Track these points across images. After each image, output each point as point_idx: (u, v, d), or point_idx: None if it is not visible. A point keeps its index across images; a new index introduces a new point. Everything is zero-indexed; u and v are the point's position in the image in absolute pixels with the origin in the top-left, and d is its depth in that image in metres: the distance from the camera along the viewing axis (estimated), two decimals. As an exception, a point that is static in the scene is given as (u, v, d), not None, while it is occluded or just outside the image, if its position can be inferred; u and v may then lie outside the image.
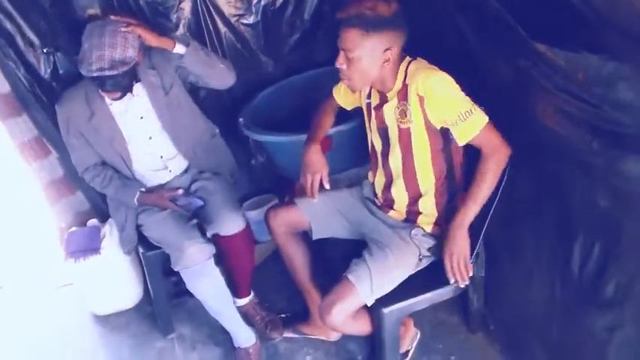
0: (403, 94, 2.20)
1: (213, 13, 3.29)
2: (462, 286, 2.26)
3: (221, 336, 3.11)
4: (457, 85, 2.11)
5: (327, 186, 2.47)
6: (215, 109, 3.07)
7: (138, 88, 2.74)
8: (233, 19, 3.35)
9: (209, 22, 3.29)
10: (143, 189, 2.84)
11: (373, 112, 2.37)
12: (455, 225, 2.21)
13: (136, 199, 2.82)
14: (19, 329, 3.51)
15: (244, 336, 2.95)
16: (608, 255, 1.85)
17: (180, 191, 2.81)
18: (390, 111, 2.28)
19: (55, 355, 3.27)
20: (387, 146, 2.37)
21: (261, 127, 3.11)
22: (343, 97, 2.58)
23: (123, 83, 2.58)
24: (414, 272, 2.36)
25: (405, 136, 2.27)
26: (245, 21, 3.38)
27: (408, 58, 2.24)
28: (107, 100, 2.71)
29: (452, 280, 2.23)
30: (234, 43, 3.40)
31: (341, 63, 2.19)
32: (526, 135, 2.08)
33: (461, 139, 2.15)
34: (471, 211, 2.20)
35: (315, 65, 3.57)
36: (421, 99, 2.14)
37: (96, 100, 2.72)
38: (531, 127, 2.04)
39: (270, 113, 3.34)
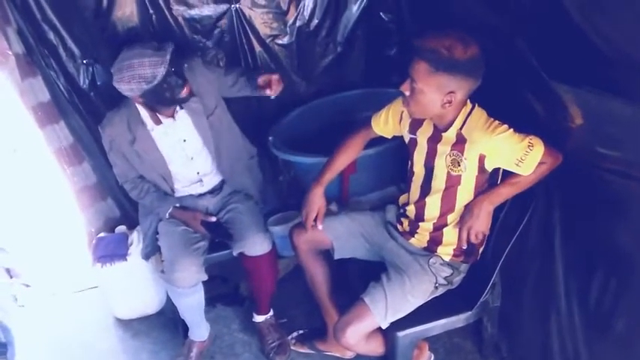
0: (459, 146, 2.21)
1: (249, 32, 3.34)
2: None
3: (240, 348, 3.19)
4: (515, 133, 2.11)
5: (319, 227, 2.57)
6: (246, 126, 3.12)
7: (181, 114, 2.80)
8: (268, 39, 3.40)
9: (244, 42, 3.35)
10: (177, 204, 2.92)
11: (424, 145, 2.36)
12: (485, 200, 2.23)
13: (168, 214, 2.89)
14: (44, 328, 3.59)
15: (198, 332, 3.09)
16: (623, 290, 1.89)
17: (214, 218, 2.90)
18: (441, 155, 2.29)
19: (77, 355, 3.34)
20: (429, 183, 2.39)
21: (291, 145, 3.15)
22: (383, 127, 2.57)
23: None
24: (429, 299, 2.41)
25: (453, 182, 2.29)
26: (279, 41, 3.43)
27: (469, 105, 2.22)
28: (149, 125, 2.78)
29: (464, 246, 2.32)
30: (268, 63, 3.45)
31: (405, 89, 2.17)
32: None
33: (526, 171, 2.14)
34: (505, 192, 2.22)
35: (346, 88, 3.61)
36: (482, 156, 2.17)
37: (138, 126, 2.77)
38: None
39: (299, 132, 3.39)
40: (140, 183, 2.95)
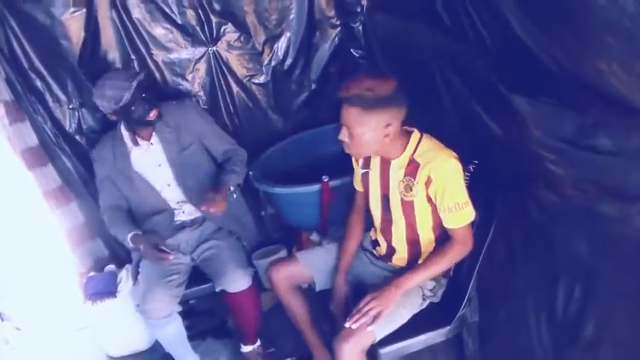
0: (412, 171, 2.29)
1: (227, 73, 3.50)
2: (351, 326, 2.23)
3: (232, 381, 3.22)
4: (462, 174, 2.24)
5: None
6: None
7: (155, 138, 2.96)
8: (245, 79, 3.55)
9: (222, 82, 3.50)
10: (139, 232, 2.91)
11: (377, 179, 2.45)
12: (397, 283, 2.29)
13: (129, 238, 2.89)
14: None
15: None
16: (588, 297, 1.97)
17: (172, 256, 2.86)
18: (394, 182, 2.36)
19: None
20: (388, 213, 2.46)
21: (271, 180, 3.22)
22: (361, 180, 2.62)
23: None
24: (417, 311, 2.46)
25: (408, 208, 2.37)
26: (256, 81, 3.58)
27: (417, 133, 2.31)
28: (128, 145, 2.95)
29: (348, 323, 2.23)
30: (245, 102, 3.59)
31: (344, 137, 2.23)
32: (514, 186, 2.25)
33: (449, 224, 2.28)
34: (417, 278, 2.32)
35: (321, 122, 3.72)
36: (429, 179, 2.24)
37: (119, 145, 2.96)
38: (519, 179, 2.21)
39: (279, 167, 3.47)
40: (112, 211, 3.01)
